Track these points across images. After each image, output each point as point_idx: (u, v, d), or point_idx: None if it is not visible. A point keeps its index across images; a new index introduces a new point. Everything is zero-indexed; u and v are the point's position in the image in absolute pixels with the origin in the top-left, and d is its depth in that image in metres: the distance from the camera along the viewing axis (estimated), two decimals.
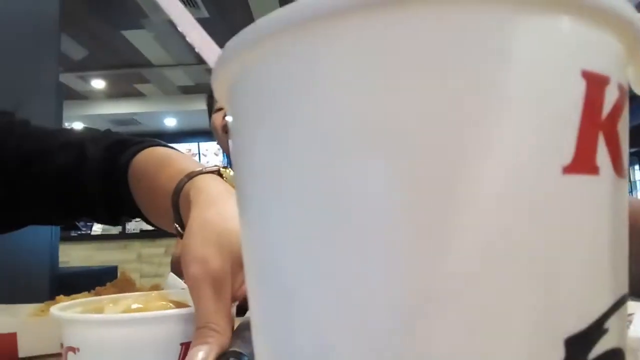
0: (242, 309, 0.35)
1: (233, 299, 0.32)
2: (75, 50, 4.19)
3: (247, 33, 0.12)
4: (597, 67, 0.11)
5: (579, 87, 0.10)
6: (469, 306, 0.10)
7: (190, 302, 0.32)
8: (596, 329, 0.10)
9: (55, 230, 1.68)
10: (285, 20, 0.11)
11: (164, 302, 0.37)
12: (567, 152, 0.10)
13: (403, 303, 0.10)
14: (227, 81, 0.14)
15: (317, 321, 0.11)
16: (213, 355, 0.29)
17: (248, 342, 0.32)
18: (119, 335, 0.30)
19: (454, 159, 0.10)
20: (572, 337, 0.10)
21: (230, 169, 0.41)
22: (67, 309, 0.34)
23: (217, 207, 0.34)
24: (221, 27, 3.50)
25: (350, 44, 0.11)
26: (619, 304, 0.11)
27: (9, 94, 1.45)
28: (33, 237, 1.60)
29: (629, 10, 0.11)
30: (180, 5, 0.18)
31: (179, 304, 0.36)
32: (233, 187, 0.39)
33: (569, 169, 0.10)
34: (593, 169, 0.10)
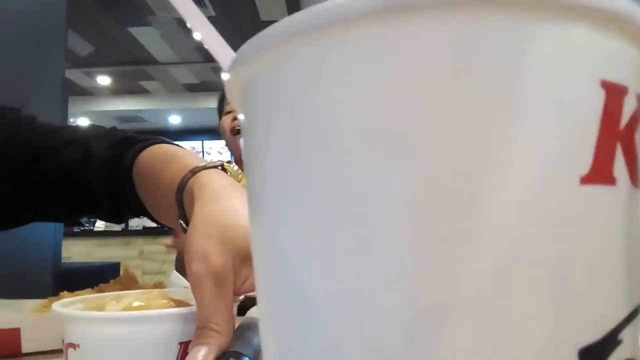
0: (243, 308, 0.35)
1: (236, 295, 0.32)
2: (82, 46, 4.20)
3: (260, 37, 0.12)
4: (616, 76, 0.11)
5: (598, 97, 0.10)
6: (482, 316, 0.10)
7: (192, 301, 0.32)
8: (610, 340, 0.10)
9: (59, 226, 1.69)
10: (296, 25, 0.12)
11: (165, 301, 0.37)
12: (585, 162, 0.10)
13: (414, 310, 0.10)
14: (241, 83, 0.14)
15: (325, 322, 0.11)
16: (212, 355, 0.29)
17: (248, 342, 0.33)
18: (118, 333, 0.31)
19: (470, 166, 0.10)
20: (586, 348, 0.10)
21: (234, 163, 0.41)
22: (68, 306, 0.34)
23: (220, 202, 0.34)
24: (227, 25, 3.50)
25: (362, 48, 0.11)
26: (633, 315, 0.11)
27: (15, 88, 1.45)
28: (36, 232, 1.60)
29: None
30: (193, 5, 0.18)
31: (180, 303, 0.36)
32: (237, 181, 0.39)
33: (586, 179, 0.10)
34: (610, 180, 0.10)
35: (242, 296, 0.34)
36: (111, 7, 3.56)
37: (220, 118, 1.39)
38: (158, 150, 0.49)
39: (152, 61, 4.77)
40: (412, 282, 0.10)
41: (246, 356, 0.31)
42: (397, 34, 0.11)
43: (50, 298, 0.54)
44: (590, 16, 0.10)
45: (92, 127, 0.59)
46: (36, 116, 0.59)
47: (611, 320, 0.10)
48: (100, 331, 0.31)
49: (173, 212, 0.40)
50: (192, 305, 0.33)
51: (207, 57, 4.77)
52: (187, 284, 0.49)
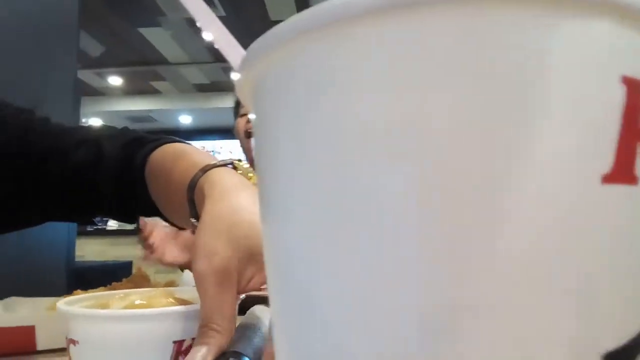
0: (243, 308, 0.35)
1: (242, 293, 0.32)
2: (93, 47, 4.24)
3: (270, 36, 0.12)
4: (638, 72, 0.10)
5: (619, 94, 0.10)
6: (497, 318, 0.10)
7: (198, 300, 0.32)
8: (635, 345, 0.10)
9: (72, 225, 1.71)
10: (304, 22, 0.11)
11: (168, 300, 0.37)
12: (605, 161, 0.10)
13: (423, 310, 0.10)
14: (253, 79, 0.14)
15: (330, 321, 0.11)
16: (211, 356, 0.29)
17: (248, 341, 0.33)
18: (111, 330, 0.31)
19: (484, 166, 0.10)
20: (610, 354, 0.10)
21: (244, 161, 0.41)
22: (73, 304, 0.35)
23: (230, 200, 0.34)
24: (237, 25, 3.51)
25: (367, 45, 0.11)
26: None
27: (28, 89, 1.47)
28: (50, 232, 1.62)
29: None
30: (204, 5, 0.18)
31: (183, 302, 0.36)
32: (248, 179, 0.39)
33: (607, 179, 0.10)
34: (632, 179, 0.10)
35: (243, 295, 0.34)
36: (122, 8, 3.59)
37: (235, 119, 1.41)
38: (169, 149, 0.49)
39: (163, 61, 4.80)
40: (422, 281, 0.10)
41: (246, 356, 0.31)
42: (402, 31, 0.10)
43: (64, 296, 0.54)
44: (613, 10, 0.10)
45: (104, 128, 0.60)
46: (49, 117, 0.59)
47: (636, 324, 0.10)
48: (95, 328, 0.32)
49: (184, 211, 0.41)
50: (194, 304, 0.33)
51: (217, 57, 4.79)
52: None
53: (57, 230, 1.63)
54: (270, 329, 0.37)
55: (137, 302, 0.36)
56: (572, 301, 0.10)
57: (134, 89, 5.58)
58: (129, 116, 6.02)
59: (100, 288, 0.53)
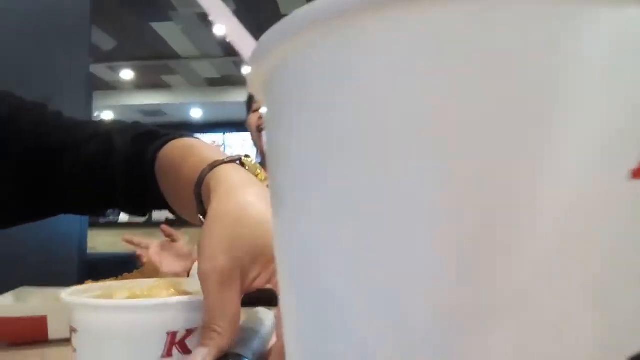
0: (245, 302, 0.35)
1: (247, 291, 0.32)
2: (105, 41, 4.27)
3: (285, 24, 0.12)
4: None
5: None
6: (523, 319, 0.09)
7: (200, 293, 0.32)
8: None
9: (84, 217, 1.73)
10: (318, 13, 0.11)
11: (169, 291, 0.37)
12: (635, 155, 0.09)
13: (451, 313, 0.10)
14: (264, 72, 0.14)
15: (352, 321, 0.11)
16: (211, 357, 0.30)
17: (248, 344, 0.33)
18: (104, 320, 0.32)
19: (510, 161, 0.10)
20: (635, 358, 0.09)
21: (252, 157, 0.41)
22: (77, 294, 0.36)
23: (235, 197, 0.34)
24: (248, 19, 3.51)
25: (398, 33, 0.10)
26: None
27: (41, 84, 1.49)
28: (63, 223, 1.64)
29: None
30: None
31: (184, 293, 0.37)
32: (255, 175, 0.39)
33: (636, 174, 0.09)
34: None
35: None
36: (133, 2, 3.61)
37: (247, 114, 1.43)
38: (179, 145, 0.49)
39: (174, 56, 4.82)
40: (450, 281, 0.10)
41: (246, 358, 0.31)
42: (424, 22, 0.10)
43: (77, 287, 0.55)
44: None
45: (115, 122, 0.60)
46: (61, 111, 0.60)
47: None
48: (90, 317, 0.33)
49: (193, 206, 0.41)
50: (195, 295, 0.34)
51: (228, 52, 4.79)
52: None
53: (69, 222, 1.64)
54: (271, 331, 0.37)
55: (139, 292, 0.37)
56: (596, 301, 0.09)
57: (145, 83, 5.61)
58: (141, 110, 6.06)
59: (111, 279, 0.54)
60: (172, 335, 0.32)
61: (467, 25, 0.10)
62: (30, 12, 1.49)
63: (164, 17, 3.93)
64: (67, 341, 0.47)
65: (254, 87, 0.15)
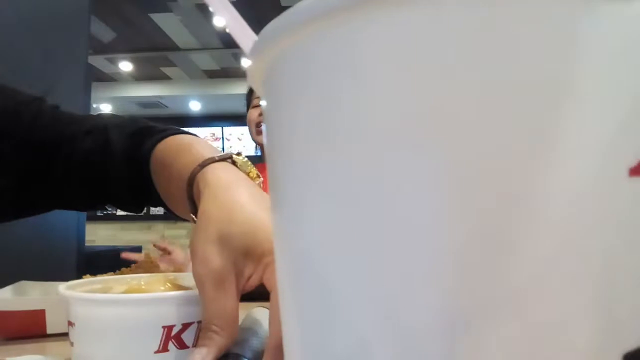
0: (246, 297, 0.35)
1: (244, 291, 0.32)
2: (104, 33, 4.25)
3: (286, 17, 0.12)
4: None
5: None
6: (524, 316, 0.09)
7: (196, 287, 0.32)
8: None
9: None
10: (323, 5, 0.11)
11: (166, 285, 0.37)
12: (634, 152, 0.09)
13: (452, 308, 0.10)
14: (264, 66, 0.13)
15: (353, 319, 0.11)
16: (210, 357, 0.29)
17: (248, 344, 0.33)
18: (100, 314, 0.32)
19: (512, 160, 0.09)
20: (631, 353, 0.09)
21: (243, 155, 0.40)
22: (74, 287, 0.36)
23: (224, 197, 0.34)
24: (248, 12, 3.49)
25: (404, 29, 0.10)
26: None
27: (39, 75, 1.48)
28: (61, 216, 1.64)
29: None
30: None
31: (182, 288, 0.37)
32: (247, 174, 0.38)
33: (635, 172, 0.09)
34: None
35: None
36: None
37: (247, 109, 1.43)
38: (173, 143, 0.48)
39: (173, 47, 4.80)
40: (450, 279, 0.10)
41: (246, 357, 0.31)
42: (431, 13, 0.10)
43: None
44: None
45: (112, 117, 0.59)
46: (59, 105, 0.59)
47: None
48: (86, 311, 0.33)
49: (186, 205, 0.40)
50: (192, 290, 0.34)
51: (228, 44, 4.77)
52: None
53: (67, 215, 1.65)
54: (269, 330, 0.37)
55: (136, 286, 0.37)
56: (595, 301, 0.09)
57: (144, 75, 5.59)
58: (139, 102, 6.05)
59: (110, 273, 0.54)
60: (168, 329, 0.32)
61: (475, 17, 0.10)
62: (28, 3, 1.48)
63: (164, 8, 3.91)
64: (65, 335, 0.47)
65: (253, 81, 0.14)
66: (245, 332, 0.35)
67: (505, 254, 0.09)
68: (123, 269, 0.56)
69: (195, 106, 6.36)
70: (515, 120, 0.09)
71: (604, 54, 0.09)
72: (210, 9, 0.18)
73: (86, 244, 1.87)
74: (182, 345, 0.33)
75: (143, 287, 0.36)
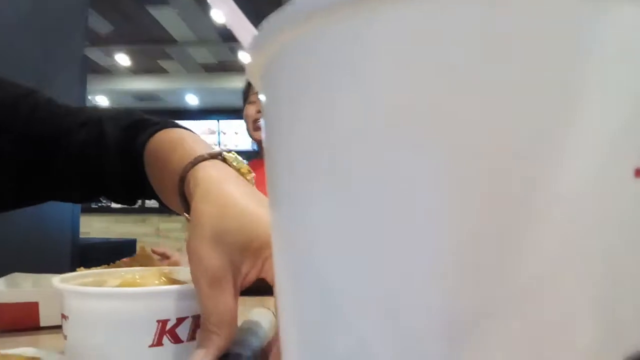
0: (246, 291, 0.34)
1: (242, 287, 0.32)
2: (101, 25, 4.22)
3: (286, 12, 0.12)
4: None
5: None
6: (526, 317, 0.09)
7: (191, 281, 0.32)
8: None
9: None
10: (324, 1, 0.11)
11: (160, 280, 0.37)
12: (638, 153, 0.09)
13: (454, 309, 0.10)
14: (264, 59, 0.13)
15: (353, 320, 0.11)
16: (209, 358, 0.29)
17: (248, 343, 0.33)
18: (94, 307, 0.32)
19: (514, 160, 0.09)
20: (633, 355, 0.09)
21: (233, 152, 0.40)
22: (69, 280, 0.36)
23: (216, 194, 0.33)
24: (246, 6, 3.47)
25: (403, 25, 0.10)
26: None
27: (36, 66, 1.47)
28: (55, 208, 1.64)
29: None
30: None
31: (175, 282, 0.37)
32: (238, 170, 0.38)
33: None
34: None
35: None
36: None
37: (244, 105, 1.43)
38: (166, 138, 0.48)
39: (171, 41, 4.78)
40: (451, 279, 0.10)
41: (246, 357, 0.31)
42: (435, 10, 0.10)
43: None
44: None
45: (108, 109, 0.59)
46: (54, 97, 0.59)
47: None
48: (80, 304, 0.33)
49: (177, 201, 0.40)
50: (186, 284, 0.34)
51: (225, 37, 4.75)
52: None
53: (62, 206, 1.64)
54: (270, 329, 0.37)
55: (131, 280, 0.36)
56: (597, 303, 0.09)
57: (141, 68, 5.56)
58: (136, 95, 6.01)
59: (104, 266, 0.53)
60: (163, 323, 0.32)
61: (469, 21, 0.10)
62: None
63: (161, 1, 3.88)
64: (58, 328, 0.46)
65: (252, 75, 0.14)
66: (245, 332, 0.34)
67: (507, 254, 0.09)
68: (118, 262, 0.56)
69: (192, 100, 6.33)
70: (516, 119, 0.09)
71: (607, 55, 0.09)
72: (209, 1, 0.18)
73: (81, 236, 1.87)
74: (176, 339, 0.33)
75: (138, 280, 0.36)
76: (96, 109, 0.59)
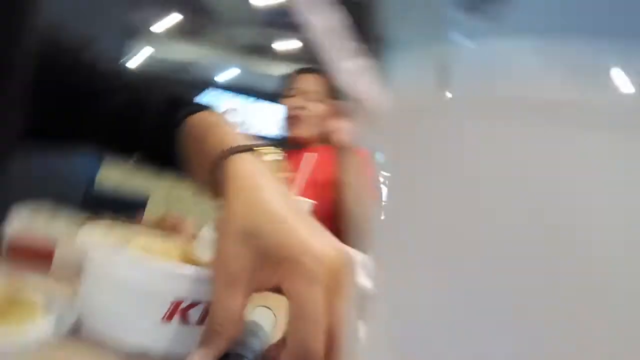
0: None
1: (257, 292, 0.32)
2: None
3: (424, 97, 0.13)
4: None
5: None
6: None
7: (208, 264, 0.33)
8: None
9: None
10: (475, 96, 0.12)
11: (182, 255, 0.37)
12: None
13: None
14: (392, 125, 0.14)
15: None
16: (210, 358, 0.30)
17: (249, 344, 0.33)
18: (116, 270, 0.33)
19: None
20: None
21: (270, 147, 0.40)
22: (93, 233, 0.37)
23: (246, 197, 0.33)
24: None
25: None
26: None
27: (80, 23, 1.48)
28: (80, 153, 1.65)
29: None
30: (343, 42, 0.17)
31: (195, 262, 0.37)
32: (273, 167, 0.38)
33: None
34: None
35: None
36: None
37: (283, 96, 1.45)
38: (207, 118, 0.48)
39: (215, 16, 4.80)
40: None
41: (246, 358, 0.32)
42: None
43: (84, 218, 0.56)
44: None
45: (151, 76, 0.60)
46: (101, 53, 0.60)
47: None
48: (104, 264, 0.34)
49: (208, 184, 0.41)
50: (204, 266, 0.34)
51: (270, 23, 4.75)
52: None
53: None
54: (271, 330, 0.37)
55: (155, 246, 0.37)
56: None
57: (182, 36, 5.60)
58: (172, 61, 6.05)
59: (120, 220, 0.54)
60: (177, 302, 0.33)
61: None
62: None
63: None
64: (68, 275, 0.47)
65: (375, 126, 0.15)
66: (246, 332, 0.34)
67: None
68: (139, 222, 0.57)
69: (225, 76, 6.36)
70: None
71: None
72: (334, 60, 0.17)
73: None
74: (186, 321, 0.33)
75: (161, 251, 0.37)
76: (140, 73, 0.60)
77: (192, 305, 0.33)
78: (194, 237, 0.57)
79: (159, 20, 5.18)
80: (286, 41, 5.11)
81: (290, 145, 1.39)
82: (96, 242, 0.33)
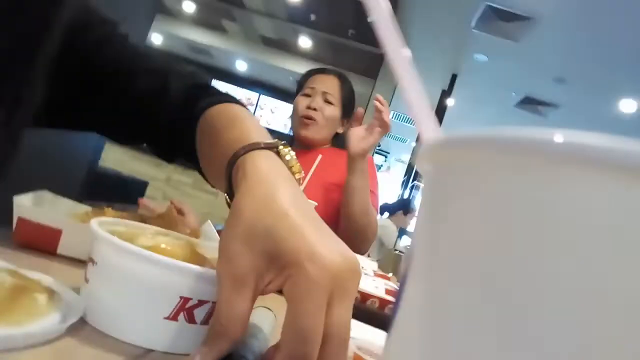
0: None
1: (262, 294, 0.31)
2: None
3: (497, 135, 0.13)
4: None
5: None
6: None
7: (215, 261, 0.33)
8: None
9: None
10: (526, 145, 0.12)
11: (190, 253, 0.37)
12: None
13: None
14: (442, 161, 0.14)
15: None
16: (211, 358, 0.29)
17: (250, 346, 0.33)
18: (127, 265, 0.33)
19: None
20: None
21: (289, 147, 0.39)
22: (104, 225, 0.36)
23: (259, 195, 0.32)
24: None
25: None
26: None
27: (109, 4, 1.48)
28: (84, 134, 1.65)
29: None
30: (411, 69, 0.17)
31: (202, 259, 0.36)
32: (290, 168, 0.37)
33: None
34: None
35: None
36: None
37: (297, 94, 1.44)
38: (225, 111, 0.47)
39: (239, 3, 4.80)
40: None
41: (247, 358, 0.31)
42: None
43: (93, 209, 0.56)
44: None
45: (175, 63, 0.59)
46: (128, 34, 0.59)
47: None
48: (115, 257, 0.33)
49: (221, 178, 0.40)
50: (211, 264, 0.33)
51: (292, 18, 4.75)
52: (218, 237, 0.49)
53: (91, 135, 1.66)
54: (271, 331, 0.37)
55: (163, 246, 0.36)
56: None
57: (203, 21, 5.61)
58: (190, 44, 6.06)
59: (119, 213, 0.54)
60: (185, 300, 0.33)
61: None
62: None
63: None
64: (72, 260, 0.47)
65: (421, 160, 0.14)
66: (247, 332, 0.34)
67: None
68: (144, 216, 0.56)
69: (241, 66, 6.37)
70: None
71: None
72: (401, 85, 0.17)
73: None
74: (191, 319, 0.33)
75: (169, 248, 0.36)
76: (165, 60, 0.59)
77: (198, 304, 0.33)
78: (197, 231, 0.57)
79: (183, 2, 5.18)
80: (307, 38, 5.11)
81: (297, 144, 1.39)
82: (104, 236, 0.33)
